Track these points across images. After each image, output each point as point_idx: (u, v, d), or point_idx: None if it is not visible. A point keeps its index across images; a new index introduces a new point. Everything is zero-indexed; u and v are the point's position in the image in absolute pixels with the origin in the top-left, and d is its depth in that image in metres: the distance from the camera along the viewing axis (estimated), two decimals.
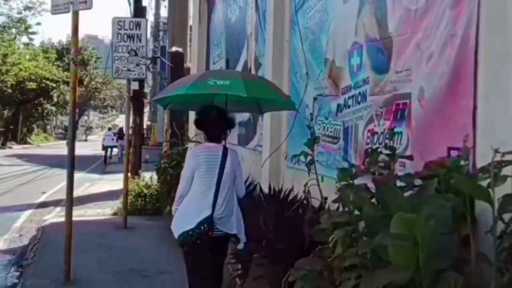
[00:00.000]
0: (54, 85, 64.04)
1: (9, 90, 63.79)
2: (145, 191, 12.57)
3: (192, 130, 13.51)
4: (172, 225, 5.25)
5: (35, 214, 13.28)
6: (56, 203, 15.13)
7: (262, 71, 8.97)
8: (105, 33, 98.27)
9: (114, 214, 12.52)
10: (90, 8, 6.84)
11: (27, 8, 52.50)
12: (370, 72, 5.40)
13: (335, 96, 6.17)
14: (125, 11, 19.81)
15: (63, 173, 22.72)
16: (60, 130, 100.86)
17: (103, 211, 13.33)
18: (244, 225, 5.43)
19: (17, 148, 59.05)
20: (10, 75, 55.65)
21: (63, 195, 16.99)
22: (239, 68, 10.64)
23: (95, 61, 76.90)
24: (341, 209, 4.29)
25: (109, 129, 46.90)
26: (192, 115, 14.37)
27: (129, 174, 12.10)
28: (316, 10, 6.92)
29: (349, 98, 5.85)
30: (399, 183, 3.85)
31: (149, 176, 13.73)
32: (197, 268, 5.26)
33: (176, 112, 16.22)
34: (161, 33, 32.11)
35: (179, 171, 7.03)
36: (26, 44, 59.57)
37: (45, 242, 9.52)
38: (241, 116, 10.03)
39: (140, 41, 10.85)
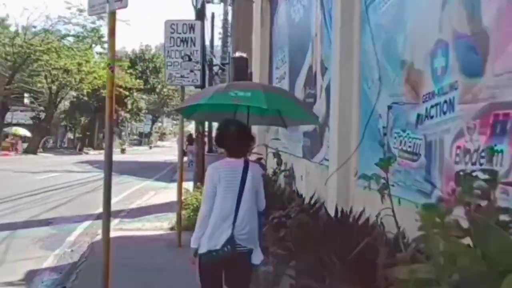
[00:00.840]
0: (127, 93, 64.74)
1: (85, 98, 65.14)
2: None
3: (256, 140, 12.64)
4: (194, 240, 5.05)
5: (92, 226, 12.59)
6: (115, 214, 14.48)
7: (328, 76, 7.96)
8: None
9: (171, 228, 11.68)
10: (125, 7, 6.01)
11: (100, 17, 52.83)
12: (459, 76, 4.31)
13: (415, 104, 5.08)
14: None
15: (131, 180, 22.33)
16: (135, 137, 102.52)
17: (161, 225, 12.56)
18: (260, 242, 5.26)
19: (93, 154, 60.10)
20: (85, 83, 56.42)
21: (125, 205, 16.63)
22: (303, 73, 9.65)
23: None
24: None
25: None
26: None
27: (187, 185, 11.23)
28: (390, 4, 5.84)
29: (431, 107, 4.76)
30: (502, 218, 2.81)
31: None
32: (214, 282, 5.17)
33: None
34: (229, 39, 31.56)
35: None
36: (100, 53, 60.24)
37: (91, 262, 8.74)
38: (307, 126, 9.06)
39: (194, 45, 9.98)
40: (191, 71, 9.99)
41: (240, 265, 5.05)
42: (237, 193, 4.96)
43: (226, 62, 37.79)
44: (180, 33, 10.04)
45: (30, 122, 62.47)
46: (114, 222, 13.01)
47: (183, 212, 11.21)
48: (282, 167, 10.46)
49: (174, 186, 22.15)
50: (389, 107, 5.67)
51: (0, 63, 53.22)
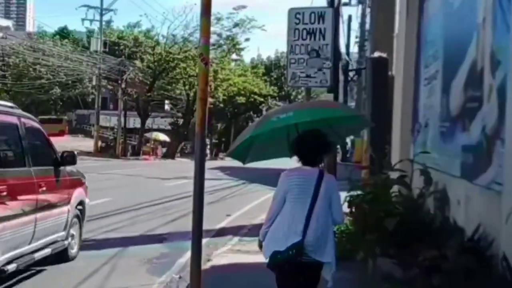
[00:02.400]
0: (262, 99, 64.07)
1: (221, 105, 65.33)
2: (335, 228, 9.65)
3: (395, 153, 10.42)
4: (262, 248, 5.10)
5: (209, 245, 10.94)
6: (236, 230, 12.87)
7: (503, 73, 5.77)
8: None
9: None
10: None
11: (236, 25, 52.44)
12: None
13: None
14: None
15: (260, 189, 20.77)
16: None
17: None
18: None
19: (228, 160, 59.32)
20: (220, 90, 56.34)
21: (248, 220, 14.84)
22: (463, 71, 7.42)
23: None
24: None
25: None
26: (396, 132, 11.24)
27: None
28: None
29: None
30: None
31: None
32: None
33: (377, 129, 13.41)
34: (366, 43, 29.51)
35: (375, 208, 6.69)
36: (235, 60, 60.02)
37: None
38: (468, 138, 6.86)
39: (323, 38, 7.99)
40: (319, 69, 8.01)
41: (306, 276, 4.94)
42: (309, 203, 4.86)
43: (363, 67, 35.61)
44: (306, 24, 8.07)
45: (169, 128, 63.38)
46: (232, 242, 11.43)
47: None
48: (432, 188, 8.29)
49: None
50: None
51: (142, 70, 54.28)
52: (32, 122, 8.54)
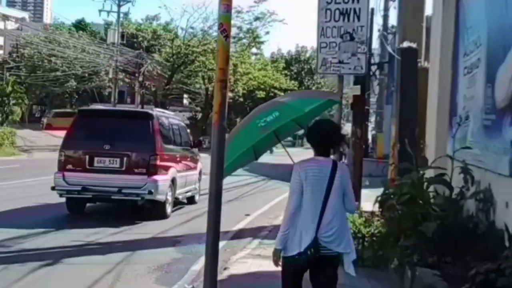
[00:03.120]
0: (282, 94, 63.24)
1: (241, 99, 64.57)
2: (364, 230, 8.91)
3: (431, 150, 9.66)
4: (280, 241, 4.90)
5: (226, 249, 10.26)
6: (255, 232, 12.15)
7: None
8: None
9: None
10: None
11: (257, 18, 51.67)
12: None
13: None
14: None
15: (280, 186, 20.03)
16: (289, 138, 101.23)
17: None
18: None
19: None
20: (239, 84, 55.65)
21: (268, 220, 14.13)
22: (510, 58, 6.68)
23: None
24: None
25: None
26: (431, 126, 10.47)
27: None
28: None
29: None
30: None
31: (369, 205, 10.07)
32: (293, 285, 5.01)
33: (407, 120, 12.69)
34: (389, 37, 28.66)
35: (412, 210, 6.52)
36: (255, 54, 59.26)
37: None
38: None
39: (358, 19, 7.22)
40: (353, 55, 7.19)
41: (324, 269, 4.87)
42: (324, 193, 4.81)
43: (386, 61, 34.60)
44: (339, 3, 7.27)
45: (188, 122, 62.84)
46: (252, 244, 10.76)
47: None
48: (473, 188, 7.56)
49: None
50: None
51: (160, 63, 53.75)
52: (181, 122, 16.47)
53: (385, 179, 8.74)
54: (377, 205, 13.89)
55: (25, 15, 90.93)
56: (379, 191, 17.23)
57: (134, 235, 11.27)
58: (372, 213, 9.07)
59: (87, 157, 12.67)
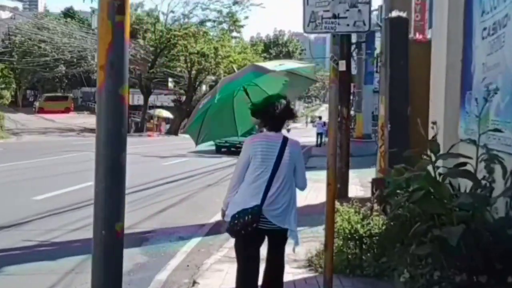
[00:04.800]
0: None
1: None
2: (361, 230, 6.79)
3: (440, 134, 7.53)
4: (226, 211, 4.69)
5: (200, 248, 8.11)
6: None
7: None
8: None
9: (309, 264, 6.95)
10: None
11: (235, 3, 49.27)
12: None
13: None
14: None
15: None
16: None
17: (297, 251, 7.83)
18: None
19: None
20: (221, 67, 53.36)
21: None
22: None
23: (299, 53, 73.75)
24: None
25: (320, 118, 47.82)
26: (437, 104, 8.33)
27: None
28: None
29: None
30: None
31: (358, 191, 8.02)
32: (245, 259, 4.67)
33: (398, 98, 10.77)
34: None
35: (427, 210, 5.04)
36: (235, 37, 56.92)
37: None
38: None
39: None
40: (353, 6, 4.87)
41: (272, 244, 4.71)
42: (272, 168, 4.51)
43: (362, 41, 32.31)
44: None
45: (172, 105, 60.52)
46: (231, 241, 8.57)
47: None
48: (503, 181, 5.46)
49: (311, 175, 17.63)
50: None
51: (144, 48, 51.23)
52: None
53: (389, 171, 6.61)
54: (368, 191, 11.65)
55: (18, 4, 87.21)
56: (362, 172, 14.95)
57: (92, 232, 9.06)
58: (371, 208, 6.91)
59: None
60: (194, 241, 8.55)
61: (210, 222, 9.91)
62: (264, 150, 4.56)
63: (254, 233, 4.49)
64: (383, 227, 6.49)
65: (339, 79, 10.84)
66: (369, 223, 6.72)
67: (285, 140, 4.66)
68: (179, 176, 16.40)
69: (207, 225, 9.73)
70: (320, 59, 66.91)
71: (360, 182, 14.56)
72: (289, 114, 4.84)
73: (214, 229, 9.29)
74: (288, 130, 65.77)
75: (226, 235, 9.13)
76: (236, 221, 4.48)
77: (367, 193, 11.96)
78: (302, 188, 4.84)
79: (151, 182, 14.60)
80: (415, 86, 10.54)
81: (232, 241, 8.51)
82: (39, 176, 15.50)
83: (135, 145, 29.77)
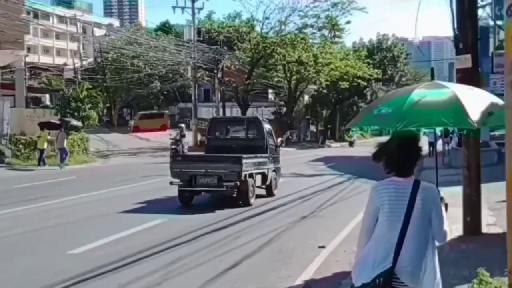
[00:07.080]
0: (365, 83, 57.96)
1: (325, 91, 60.11)
2: None
3: None
4: (352, 270, 4.11)
5: None
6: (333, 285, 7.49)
7: None
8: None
9: None
10: None
11: (334, 4, 47.03)
12: None
13: None
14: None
15: (367, 189, 15.02)
16: (376, 127, 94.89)
17: None
18: None
19: (335, 147, 56.88)
20: (322, 75, 51.07)
21: (353, 259, 8.46)
22: None
23: (405, 58, 70.06)
24: None
25: None
26: None
27: None
28: None
29: None
30: None
31: (488, 216, 5.27)
32: None
33: None
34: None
35: None
36: (335, 43, 54.45)
37: None
38: None
39: None
40: None
41: None
42: (403, 219, 3.85)
43: (478, 38, 28.68)
44: None
45: (272, 117, 58.87)
46: None
47: None
48: None
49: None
50: None
51: (239, 59, 49.86)
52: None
53: None
54: (500, 216, 9.02)
55: (113, 21, 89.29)
56: (485, 188, 11.10)
57: None
58: None
59: None
60: None
61: (295, 285, 7.42)
62: (392, 198, 3.95)
63: None
64: None
65: (462, 77, 8.73)
66: None
67: (416, 185, 3.96)
68: (265, 207, 14.14)
69: None
70: (425, 62, 63.37)
71: (486, 203, 11.55)
72: (418, 156, 4.12)
73: None
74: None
75: None
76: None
77: (500, 221, 9.50)
78: (441, 241, 4.07)
79: (230, 217, 12.43)
80: None
81: None
82: (90, 216, 13.09)
83: None
